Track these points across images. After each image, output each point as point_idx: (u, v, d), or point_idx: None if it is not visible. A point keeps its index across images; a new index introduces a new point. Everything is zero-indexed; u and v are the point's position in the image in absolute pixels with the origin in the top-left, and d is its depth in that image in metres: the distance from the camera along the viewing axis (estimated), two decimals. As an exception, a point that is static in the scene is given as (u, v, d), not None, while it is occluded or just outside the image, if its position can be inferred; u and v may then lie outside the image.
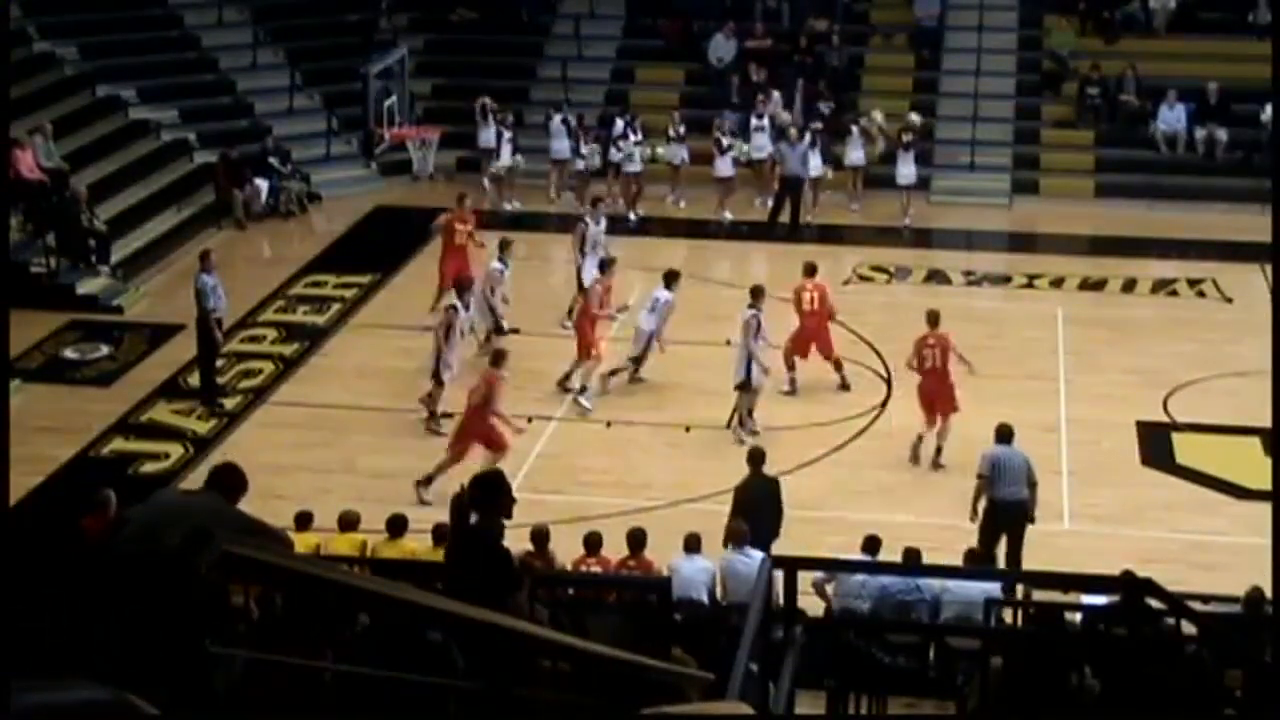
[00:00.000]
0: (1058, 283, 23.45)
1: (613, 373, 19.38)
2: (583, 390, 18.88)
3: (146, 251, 24.03)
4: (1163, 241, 25.30)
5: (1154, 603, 8.70)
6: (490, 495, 7.43)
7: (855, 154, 26.56)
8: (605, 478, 17.48)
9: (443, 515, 10.61)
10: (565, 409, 18.82)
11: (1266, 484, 15.95)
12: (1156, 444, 18.16)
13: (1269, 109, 26.24)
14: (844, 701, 11.21)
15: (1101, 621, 11.16)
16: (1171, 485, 17.40)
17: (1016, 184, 27.73)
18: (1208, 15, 29.75)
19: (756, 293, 18.71)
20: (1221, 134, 27.49)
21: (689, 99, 29.07)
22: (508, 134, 26.77)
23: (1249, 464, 17.28)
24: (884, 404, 19.22)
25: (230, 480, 6.47)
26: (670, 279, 19.55)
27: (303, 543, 12.97)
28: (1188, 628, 9.21)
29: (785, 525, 14.66)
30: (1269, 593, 11.53)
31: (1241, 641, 10.22)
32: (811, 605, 11.72)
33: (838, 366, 19.46)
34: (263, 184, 26.38)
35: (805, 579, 10.41)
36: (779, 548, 13.75)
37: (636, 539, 13.71)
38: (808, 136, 26.08)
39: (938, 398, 17.65)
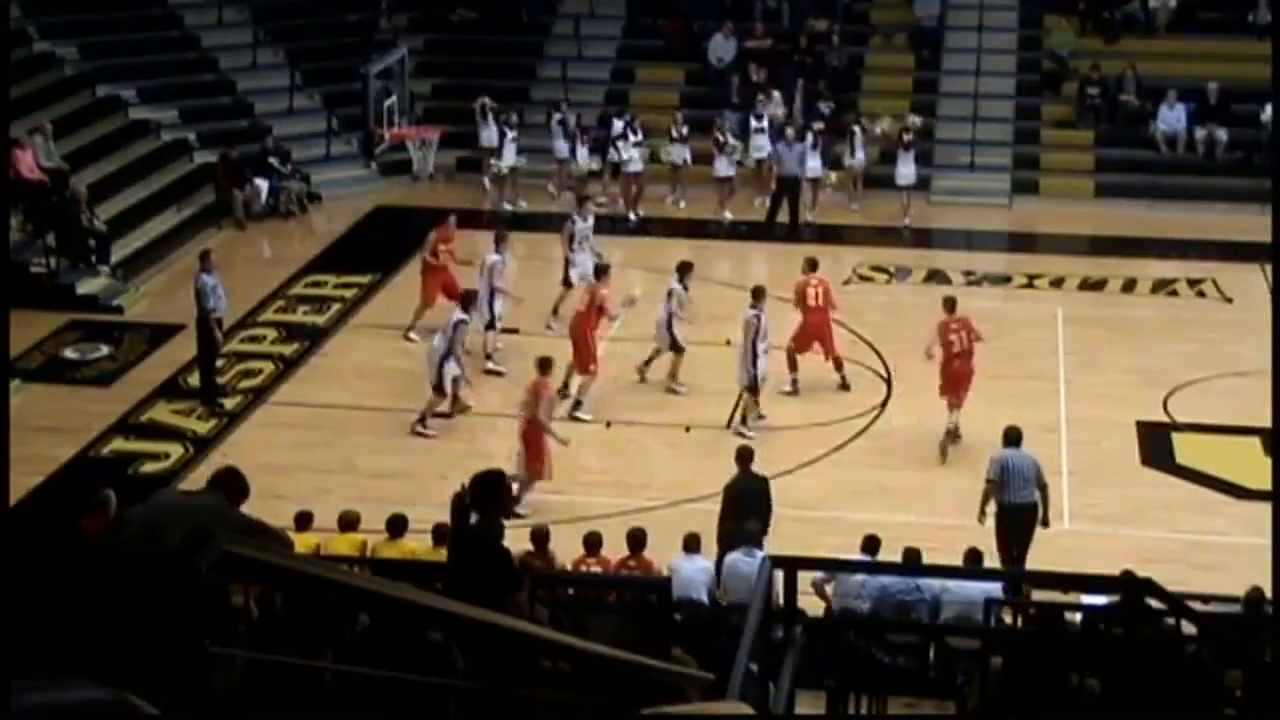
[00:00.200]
0: (1058, 283, 23.45)
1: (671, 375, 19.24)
2: (578, 405, 18.59)
3: (146, 251, 24.03)
4: (1163, 241, 25.31)
5: (1154, 603, 8.70)
6: (490, 495, 7.43)
7: (856, 154, 26.57)
8: (605, 478, 17.48)
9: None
10: (564, 409, 18.78)
11: (1266, 484, 15.95)
12: (1156, 444, 18.16)
13: (1269, 109, 26.24)
14: (844, 701, 11.21)
15: (1101, 621, 11.16)
16: (1171, 485, 17.40)
17: (1016, 184, 27.73)
18: (1208, 15, 29.75)
19: (758, 293, 18.71)
20: (1221, 134, 27.49)
21: (689, 99, 29.07)
22: (511, 134, 26.77)
23: (1249, 464, 17.28)
24: (884, 404, 19.22)
25: (232, 484, 6.47)
26: (681, 271, 19.56)
27: (303, 543, 12.97)
28: (1188, 628, 9.21)
29: (785, 525, 14.66)
30: (1269, 593, 11.52)
31: (1241, 641, 10.22)
32: (812, 605, 11.72)
33: (838, 365, 19.46)
34: (263, 184, 26.38)
35: (805, 579, 10.41)
36: (768, 545, 13.78)
37: (636, 539, 13.71)
38: (809, 136, 26.10)
39: (964, 378, 17.87)
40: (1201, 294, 23.08)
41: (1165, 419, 18.78)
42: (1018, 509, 14.95)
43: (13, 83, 22.81)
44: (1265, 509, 14.61)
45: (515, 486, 16.13)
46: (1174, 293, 23.24)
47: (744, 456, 15.26)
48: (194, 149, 27.14)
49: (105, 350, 20.91)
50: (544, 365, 17.08)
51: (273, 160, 26.71)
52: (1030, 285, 23.48)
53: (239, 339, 20.92)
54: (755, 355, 18.22)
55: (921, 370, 19.84)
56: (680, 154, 26.78)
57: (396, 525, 14.05)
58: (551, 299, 21.30)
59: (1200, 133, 27.61)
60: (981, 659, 10.38)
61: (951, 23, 29.99)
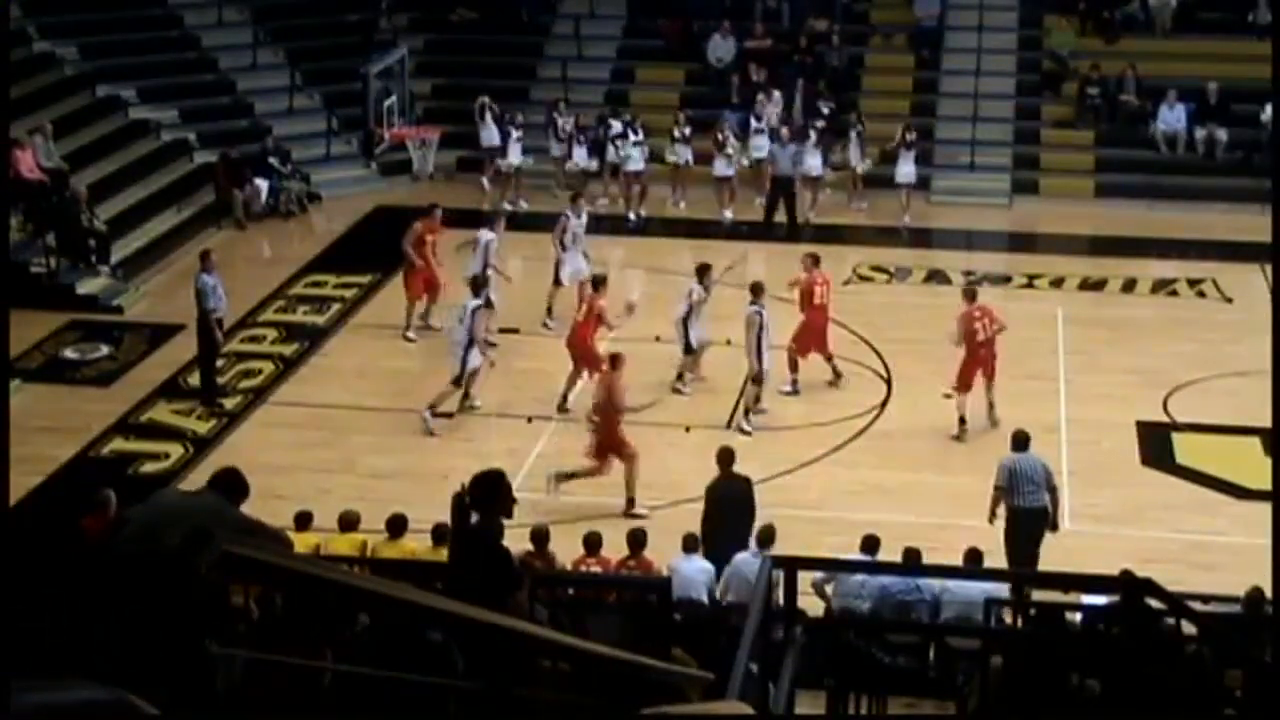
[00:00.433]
0: (1058, 283, 23.45)
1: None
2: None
3: (146, 251, 24.03)
4: (1163, 241, 25.30)
5: (1154, 603, 8.70)
6: (490, 495, 7.43)
7: (854, 155, 26.58)
8: (605, 478, 17.46)
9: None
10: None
11: (1266, 484, 15.94)
12: (1156, 444, 18.15)
13: (1269, 109, 26.23)
14: (844, 701, 11.21)
15: (1101, 621, 11.16)
16: (1171, 485, 17.39)
17: (1016, 184, 27.73)
18: (1208, 15, 29.75)
19: (757, 289, 18.73)
20: (1221, 134, 27.49)
21: (689, 99, 29.07)
22: (516, 133, 26.78)
23: (1249, 464, 17.28)
24: (884, 404, 19.22)
25: (232, 485, 6.47)
26: (701, 273, 19.51)
27: (303, 543, 12.97)
28: (1188, 628, 9.21)
29: (786, 525, 14.62)
30: (1269, 593, 11.52)
31: (1241, 641, 10.22)
32: (812, 605, 11.72)
33: (829, 359, 19.49)
34: (263, 184, 26.38)
35: (805, 579, 10.41)
36: (753, 546, 13.82)
37: (636, 539, 13.71)
38: (813, 135, 26.13)
39: (988, 365, 18.16)
40: (1201, 294, 23.08)
41: (1165, 419, 18.78)
42: (1027, 513, 14.83)
43: (13, 83, 22.81)
44: (1265, 509, 14.60)
45: (573, 477, 16.42)
46: (1174, 293, 23.23)
47: (725, 458, 15.26)
48: (194, 149, 27.14)
49: (105, 350, 20.91)
50: (615, 360, 17.07)
51: (273, 160, 26.71)
52: (1030, 285, 23.48)
53: (239, 339, 20.92)
54: (760, 350, 18.26)
55: (921, 370, 19.90)
56: (683, 154, 26.78)
57: (396, 525, 14.05)
58: (544, 303, 21.32)
59: (1200, 133, 27.61)
60: (981, 659, 10.38)
61: (951, 23, 29.99)
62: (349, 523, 14.28)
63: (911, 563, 13.08)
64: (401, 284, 21.47)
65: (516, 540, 11.19)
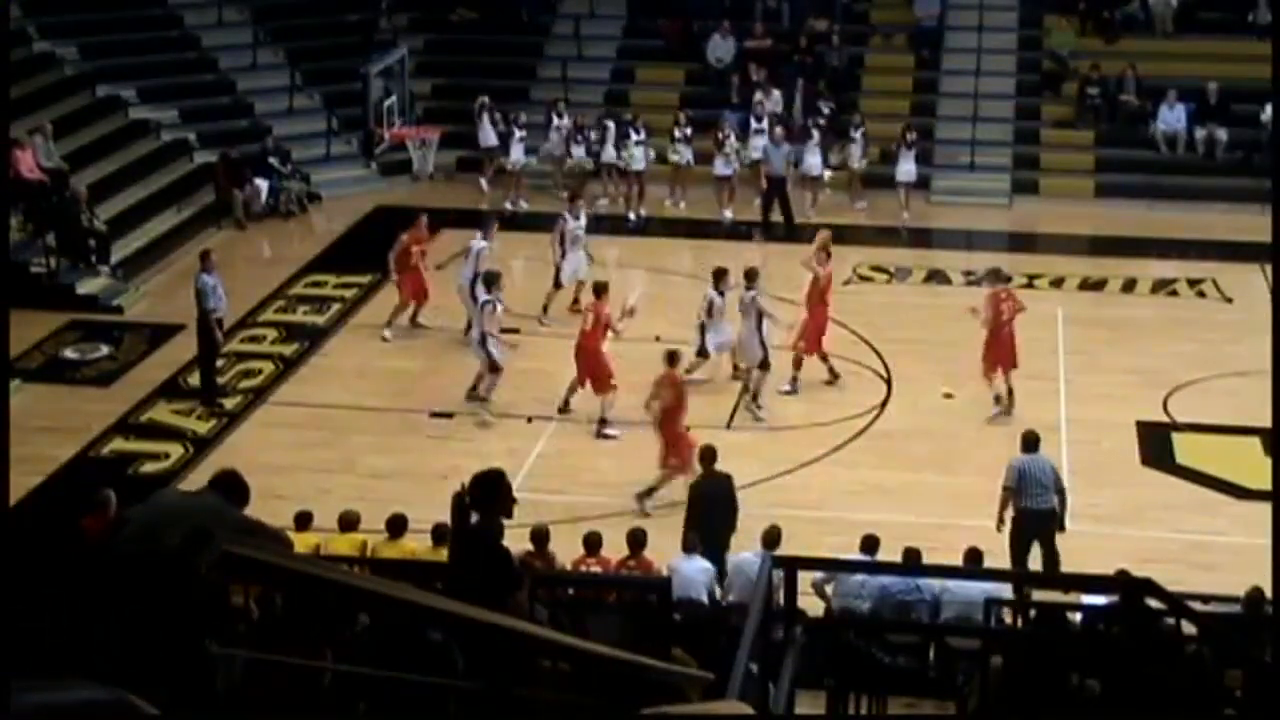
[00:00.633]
0: (1058, 283, 23.44)
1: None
2: (604, 423, 18.27)
3: (146, 251, 24.03)
4: (1163, 241, 25.31)
5: (1154, 603, 8.70)
6: (490, 495, 7.43)
7: (856, 155, 26.59)
8: (605, 478, 17.47)
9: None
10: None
11: (1266, 484, 15.94)
12: (1156, 444, 18.16)
13: (1269, 109, 26.24)
14: (844, 701, 11.21)
15: (1101, 621, 11.16)
16: (1171, 485, 17.39)
17: (1016, 184, 27.73)
18: (1208, 15, 29.75)
19: (751, 275, 18.83)
20: (1221, 134, 27.49)
21: (689, 99, 29.07)
22: (519, 133, 26.79)
23: (1249, 464, 17.28)
24: (884, 404, 19.22)
25: (232, 487, 6.46)
26: (717, 277, 19.41)
27: (303, 543, 12.97)
28: (1188, 628, 9.21)
29: (786, 525, 14.62)
30: (1269, 593, 11.52)
31: (1241, 641, 10.22)
32: (812, 605, 11.72)
33: (825, 358, 19.52)
34: (263, 184, 26.38)
35: (805, 579, 10.41)
36: (735, 544, 14.02)
37: (636, 539, 13.71)
38: (815, 135, 26.14)
39: (1011, 347, 18.48)
40: (1201, 294, 23.08)
41: (1165, 419, 18.78)
42: (1037, 515, 14.77)
43: (13, 83, 22.81)
44: (1265, 509, 14.60)
45: (655, 483, 16.44)
46: (1174, 293, 23.24)
47: (707, 457, 15.27)
48: (194, 149, 27.15)
49: (105, 350, 20.91)
50: (672, 358, 17.11)
51: (273, 160, 26.71)
52: (1030, 285, 23.41)
53: (239, 339, 20.92)
54: (761, 335, 18.30)
55: (921, 370, 19.91)
56: (684, 155, 26.78)
57: (396, 525, 14.04)
58: (542, 303, 21.34)
59: (1200, 133, 27.61)
60: (981, 659, 10.38)
61: (951, 23, 29.98)
62: (349, 523, 14.28)
63: (911, 563, 13.07)
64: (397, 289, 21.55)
65: (516, 540, 11.18)
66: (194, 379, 19.60)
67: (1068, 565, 14.54)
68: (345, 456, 17.90)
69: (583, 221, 21.95)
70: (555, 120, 27.14)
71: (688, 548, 13.62)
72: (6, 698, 3.73)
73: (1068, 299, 22.79)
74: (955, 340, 20.56)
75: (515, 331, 20.54)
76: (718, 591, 13.49)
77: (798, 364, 19.32)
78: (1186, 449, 18.04)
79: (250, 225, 25.98)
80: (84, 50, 27.57)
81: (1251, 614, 11.85)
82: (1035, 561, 14.78)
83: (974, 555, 13.41)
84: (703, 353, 19.21)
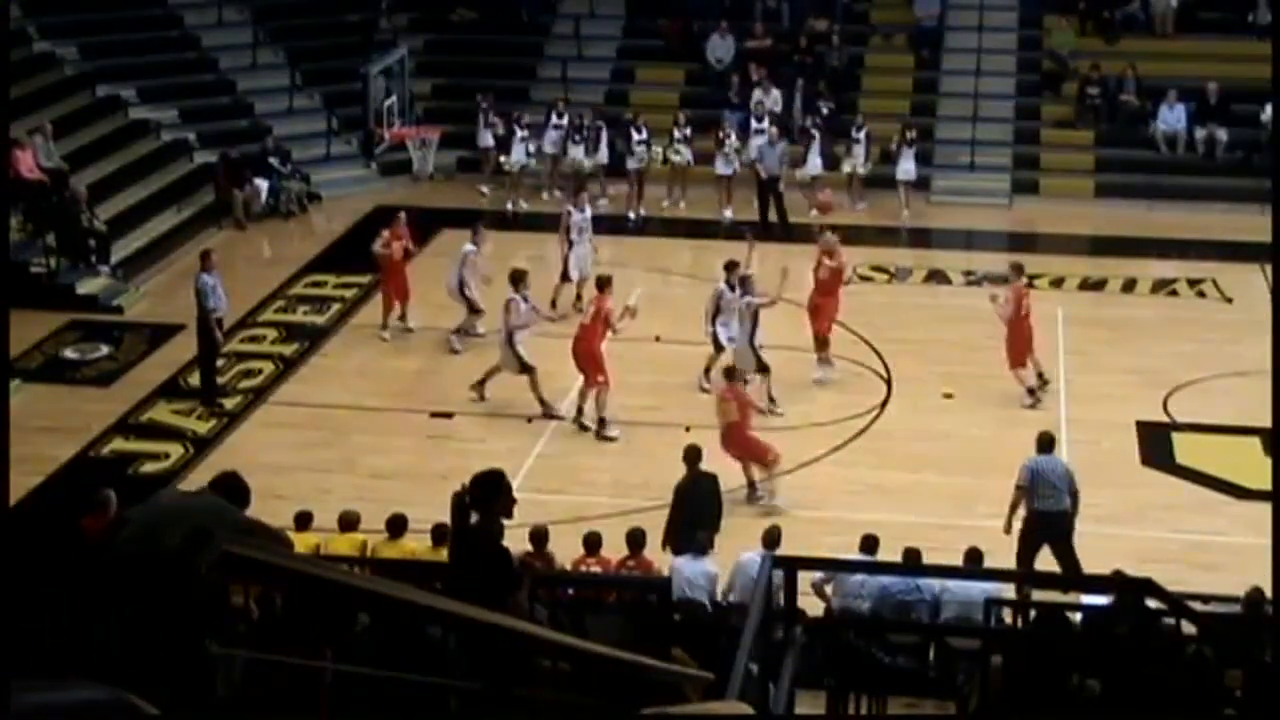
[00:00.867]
0: (1058, 283, 23.43)
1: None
2: (603, 423, 18.25)
3: (146, 251, 24.03)
4: (1163, 241, 25.31)
5: (1153, 603, 8.71)
6: (490, 495, 7.43)
7: (859, 156, 26.59)
8: (605, 478, 17.48)
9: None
10: (565, 408, 18.78)
11: (1266, 484, 15.93)
12: (1156, 444, 18.15)
13: (1269, 109, 26.23)
14: (844, 701, 11.21)
15: (1101, 621, 11.16)
16: (1171, 485, 17.39)
17: (1016, 184, 27.73)
18: (1208, 15, 29.75)
19: (744, 281, 18.80)
20: (1221, 134, 27.49)
21: (689, 99, 29.08)
22: (520, 133, 26.79)
23: (1249, 464, 17.27)
24: (884, 404, 19.22)
25: (233, 489, 6.46)
26: (729, 269, 19.40)
27: (303, 543, 12.96)
28: (1188, 628, 9.21)
29: (786, 525, 14.64)
30: (1269, 593, 11.52)
31: (1241, 641, 10.22)
32: (812, 605, 11.72)
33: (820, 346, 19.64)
34: (263, 184, 26.38)
35: (805, 579, 10.41)
36: (718, 542, 14.03)
37: (636, 539, 13.70)
38: (816, 136, 26.14)
39: (1031, 338, 18.92)
40: (1201, 294, 23.08)
41: (1165, 419, 18.78)
42: (1049, 516, 14.70)
43: (13, 83, 22.81)
44: (1265, 509, 14.60)
45: (766, 489, 16.45)
46: (1174, 293, 23.24)
47: (692, 456, 15.27)
48: (194, 149, 27.15)
49: (105, 350, 20.91)
50: (729, 373, 17.24)
51: (273, 160, 26.71)
52: (1030, 285, 23.36)
53: (239, 339, 20.92)
54: (753, 341, 18.33)
55: (921, 370, 19.91)
56: (685, 155, 26.79)
57: (396, 525, 14.04)
58: (549, 298, 21.32)
59: (1200, 133, 27.62)
60: (981, 659, 10.38)
61: (951, 23, 29.98)
62: (349, 523, 14.28)
63: (911, 563, 13.07)
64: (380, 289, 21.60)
65: (516, 540, 11.19)
66: (194, 379, 19.60)
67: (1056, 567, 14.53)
68: (345, 456, 17.90)
69: (588, 214, 22.00)
70: (554, 119, 27.15)
71: (694, 549, 13.55)
72: (6, 698, 3.73)
73: (1068, 299, 22.78)
74: (955, 340, 20.62)
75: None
76: (719, 595, 13.47)
77: (824, 346, 19.43)
78: (1186, 449, 18.04)
79: (250, 225, 25.97)
80: (84, 50, 27.57)
81: (1251, 614, 11.84)
82: (1040, 563, 14.74)
83: (974, 555, 13.40)
84: (717, 346, 19.20)
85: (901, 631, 12.78)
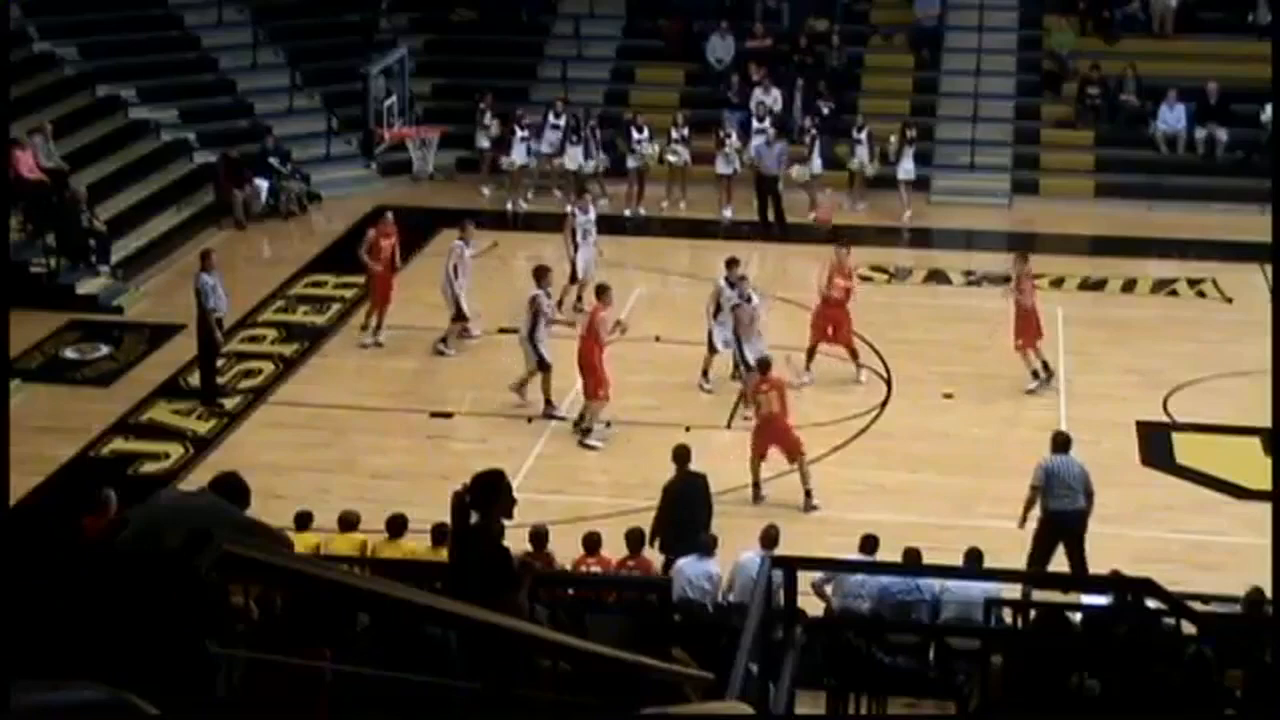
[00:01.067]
0: (1058, 283, 23.42)
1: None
2: (587, 432, 18.16)
3: (146, 251, 24.03)
4: (1163, 241, 25.31)
5: (1153, 602, 8.71)
6: (490, 495, 7.43)
7: (863, 157, 26.59)
8: (605, 478, 17.48)
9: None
10: (565, 409, 18.77)
11: (1266, 484, 15.95)
12: (1156, 444, 18.15)
13: (1269, 109, 26.25)
14: (844, 701, 11.22)
15: (1101, 621, 11.16)
16: (1171, 485, 17.39)
17: (1016, 184, 27.73)
18: (1208, 15, 29.75)
19: (743, 278, 18.79)
20: (1221, 134, 27.49)
21: (689, 99, 29.08)
22: (522, 133, 26.79)
23: (1249, 464, 17.28)
24: (884, 404, 19.22)
25: (233, 490, 6.45)
26: (730, 266, 19.51)
27: (303, 543, 12.97)
28: (1188, 628, 9.21)
29: (786, 525, 14.64)
30: (1269, 593, 11.53)
31: (1241, 641, 10.22)
32: (812, 605, 11.71)
33: (811, 356, 19.57)
34: (263, 184, 26.37)
35: (805, 579, 10.40)
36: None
37: (636, 539, 13.71)
38: (817, 137, 26.15)
39: (1040, 324, 19.39)
40: (1201, 294, 23.08)
41: (1165, 419, 18.78)
42: (1063, 516, 14.68)
43: (13, 83, 22.81)
44: (1265, 509, 14.61)
45: (806, 484, 16.52)
46: (1174, 293, 23.24)
47: (681, 457, 15.26)
48: (194, 149, 27.14)
49: (105, 350, 20.91)
50: (763, 364, 17.29)
51: (273, 160, 26.70)
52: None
53: (239, 339, 20.92)
54: (756, 344, 18.34)
55: (922, 370, 19.90)
56: (683, 155, 26.78)
57: (396, 525, 14.05)
58: (556, 300, 21.31)
59: (1200, 133, 27.62)
60: (981, 659, 10.39)
61: (951, 23, 29.97)
62: (349, 523, 14.28)
63: (911, 563, 13.07)
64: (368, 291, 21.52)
65: (516, 540, 11.19)
66: (194, 379, 19.60)
67: (1068, 565, 14.53)
68: (345, 456, 17.91)
69: (592, 215, 22.00)
70: (553, 119, 27.15)
71: (700, 550, 13.52)
72: (6, 698, 3.73)
73: (1068, 299, 22.76)
74: (955, 340, 20.62)
75: (516, 331, 20.51)
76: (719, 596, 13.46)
77: (853, 355, 19.49)
78: (1186, 449, 18.03)
79: (250, 225, 25.97)
80: (84, 50, 27.56)
81: (1251, 614, 11.85)
82: (1053, 564, 14.72)
83: (974, 555, 13.40)
84: (711, 348, 19.20)
85: (901, 631, 12.78)
